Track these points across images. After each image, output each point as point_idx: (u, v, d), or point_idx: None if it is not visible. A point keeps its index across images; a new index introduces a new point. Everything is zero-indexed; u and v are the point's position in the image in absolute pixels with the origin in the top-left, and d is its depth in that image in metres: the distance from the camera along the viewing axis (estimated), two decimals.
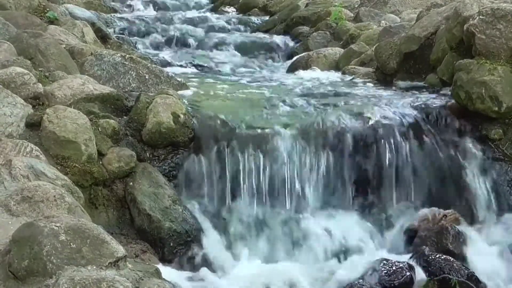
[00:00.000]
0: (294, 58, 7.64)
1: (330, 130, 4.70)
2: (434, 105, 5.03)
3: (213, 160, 4.47)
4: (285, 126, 4.68)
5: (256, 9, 10.68)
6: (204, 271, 4.04)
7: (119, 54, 5.50)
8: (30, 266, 2.76)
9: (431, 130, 4.84)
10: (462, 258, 4.27)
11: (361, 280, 3.94)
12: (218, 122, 4.64)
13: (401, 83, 5.84)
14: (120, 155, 4.30)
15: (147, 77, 5.30)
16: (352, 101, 5.15)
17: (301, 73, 6.72)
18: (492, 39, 4.84)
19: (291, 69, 7.27)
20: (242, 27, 9.57)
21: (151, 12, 10.47)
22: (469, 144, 4.80)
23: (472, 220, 4.58)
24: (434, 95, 5.26)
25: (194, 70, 7.47)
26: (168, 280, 3.26)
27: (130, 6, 10.65)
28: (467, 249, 4.34)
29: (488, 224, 4.58)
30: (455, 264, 4.08)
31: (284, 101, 5.14)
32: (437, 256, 4.14)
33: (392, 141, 4.71)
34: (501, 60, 4.80)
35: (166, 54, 7.96)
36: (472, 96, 4.76)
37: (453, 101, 5.00)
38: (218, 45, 8.48)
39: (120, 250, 2.93)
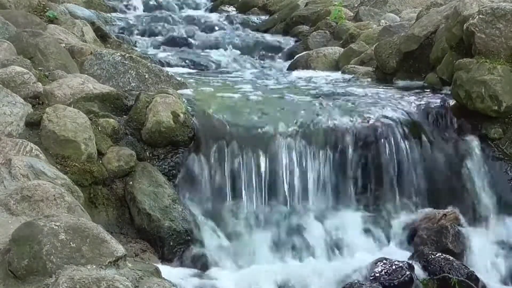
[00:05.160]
0: (294, 58, 7.64)
1: (330, 129, 4.70)
2: (434, 105, 5.03)
3: (213, 159, 4.47)
4: (285, 125, 4.68)
5: (256, 8, 10.67)
6: (203, 270, 4.05)
7: (118, 54, 5.50)
8: (30, 265, 2.76)
9: (431, 129, 4.84)
10: (462, 257, 4.27)
11: (360, 279, 3.94)
12: (218, 121, 4.64)
13: (401, 82, 5.85)
14: (119, 154, 4.30)
15: (146, 76, 5.30)
16: (352, 100, 5.15)
17: (301, 72, 6.73)
18: (492, 38, 4.84)
19: (291, 68, 7.27)
20: (241, 27, 9.56)
21: (150, 11, 10.46)
22: (469, 143, 4.80)
23: (472, 219, 4.58)
24: (434, 95, 5.26)
25: (193, 69, 7.46)
26: (167, 279, 3.26)
27: (129, 5, 10.64)
28: (467, 248, 4.34)
29: (488, 223, 4.58)
30: (455, 263, 4.08)
31: (284, 100, 5.14)
32: (437, 255, 4.15)
33: (392, 140, 4.71)
34: (501, 59, 4.81)
35: (165, 53, 7.95)
36: (472, 95, 4.76)
37: (453, 100, 5.00)
38: (218, 45, 8.47)
39: (120, 249, 2.93)
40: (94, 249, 2.85)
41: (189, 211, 4.27)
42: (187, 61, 7.69)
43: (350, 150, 4.66)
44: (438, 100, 5.09)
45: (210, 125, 4.62)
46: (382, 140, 4.70)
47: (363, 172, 4.67)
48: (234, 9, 11.03)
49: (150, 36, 8.62)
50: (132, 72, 5.29)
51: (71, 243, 2.82)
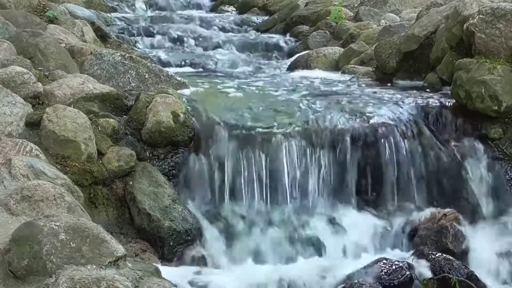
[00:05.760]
0: (294, 57, 7.64)
1: (330, 129, 4.70)
2: (434, 105, 5.03)
3: (213, 159, 4.47)
4: (285, 125, 4.68)
5: (256, 8, 10.67)
6: (203, 270, 4.05)
7: (118, 54, 5.50)
8: (30, 265, 2.76)
9: (431, 130, 4.84)
10: (462, 257, 4.28)
11: (361, 279, 3.94)
12: (218, 121, 4.64)
13: (401, 82, 5.85)
14: (119, 154, 4.30)
15: (146, 76, 5.30)
16: (352, 101, 5.15)
17: (301, 72, 6.73)
18: (492, 38, 4.84)
19: (291, 68, 7.27)
20: (241, 27, 9.56)
21: (150, 11, 10.46)
22: (469, 143, 4.80)
23: (472, 219, 4.58)
24: (433, 95, 5.26)
25: (193, 69, 7.47)
26: (167, 279, 3.26)
27: (130, 5, 10.64)
28: (467, 248, 4.34)
29: (488, 223, 4.58)
30: (455, 263, 4.08)
31: (284, 100, 5.14)
32: (437, 255, 4.15)
33: (392, 140, 4.71)
34: (501, 59, 4.81)
35: (165, 53, 7.95)
36: (472, 95, 4.76)
37: (453, 100, 5.00)
38: (218, 45, 8.47)
39: (120, 249, 2.93)
40: (94, 249, 2.85)
41: (189, 211, 4.27)
42: (187, 61, 7.69)
43: (350, 150, 4.66)
44: (438, 100, 5.09)
45: (210, 125, 4.61)
46: (382, 140, 4.70)
47: (363, 172, 4.67)
48: (234, 9, 11.03)
49: (150, 36, 8.62)
50: (132, 72, 5.29)
51: (71, 243, 2.82)
